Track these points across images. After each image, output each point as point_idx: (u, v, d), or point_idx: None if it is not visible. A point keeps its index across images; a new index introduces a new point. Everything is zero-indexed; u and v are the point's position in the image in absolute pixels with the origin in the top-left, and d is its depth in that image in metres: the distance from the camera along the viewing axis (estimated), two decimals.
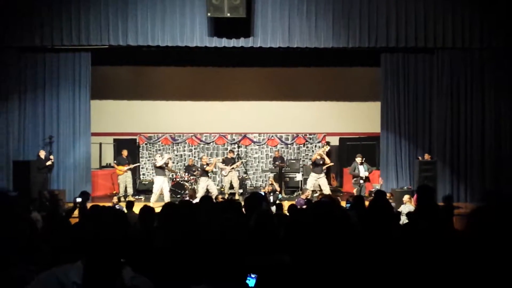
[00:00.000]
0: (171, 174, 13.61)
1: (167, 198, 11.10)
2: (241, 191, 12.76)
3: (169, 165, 11.90)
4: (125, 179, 12.27)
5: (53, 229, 4.83)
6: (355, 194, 10.57)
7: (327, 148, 12.13)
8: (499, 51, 11.51)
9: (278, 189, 11.81)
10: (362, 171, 10.96)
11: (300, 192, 12.36)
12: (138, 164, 13.53)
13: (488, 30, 11.40)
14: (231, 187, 12.66)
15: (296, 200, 9.73)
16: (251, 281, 2.15)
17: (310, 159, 12.04)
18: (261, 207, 4.30)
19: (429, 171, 10.88)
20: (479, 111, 11.69)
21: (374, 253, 2.34)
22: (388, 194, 8.99)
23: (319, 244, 2.15)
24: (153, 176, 12.77)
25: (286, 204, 8.07)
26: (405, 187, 11.34)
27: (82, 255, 1.81)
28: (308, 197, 9.92)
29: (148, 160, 14.62)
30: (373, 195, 8.65)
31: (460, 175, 11.65)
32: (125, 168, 12.25)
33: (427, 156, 11.38)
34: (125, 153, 12.56)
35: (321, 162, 11.44)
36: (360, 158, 11.07)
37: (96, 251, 1.76)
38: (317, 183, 11.39)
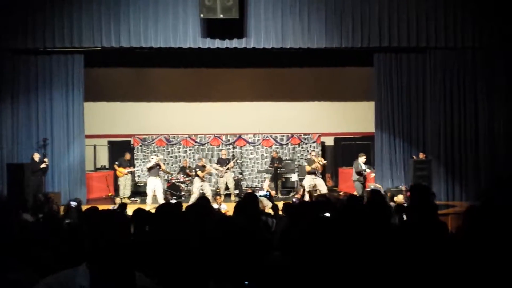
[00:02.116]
0: (166, 176, 13.58)
1: (160, 199, 11.08)
2: (236, 191, 12.76)
3: (162, 167, 11.83)
4: (125, 181, 12.48)
5: (49, 232, 4.81)
6: (357, 193, 10.58)
7: (323, 161, 11.98)
8: (492, 50, 11.57)
9: (273, 193, 11.78)
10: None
11: (294, 192, 12.39)
12: (136, 169, 13.61)
13: (481, 29, 11.46)
14: (227, 187, 12.66)
15: (292, 200, 9.75)
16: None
17: (306, 165, 11.92)
18: (256, 208, 4.31)
19: (423, 170, 10.90)
20: (473, 110, 11.75)
21: (369, 249, 2.34)
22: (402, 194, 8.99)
23: (317, 243, 2.15)
24: (146, 177, 12.78)
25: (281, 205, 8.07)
26: (400, 186, 11.38)
27: (84, 259, 1.80)
28: (303, 196, 9.96)
29: (143, 162, 14.59)
30: (365, 195, 8.69)
31: (455, 174, 11.70)
32: (126, 170, 12.35)
33: (421, 155, 11.42)
34: (127, 156, 12.82)
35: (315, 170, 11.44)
36: (364, 157, 11.03)
37: (104, 256, 1.76)
38: (313, 184, 11.41)
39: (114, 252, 1.76)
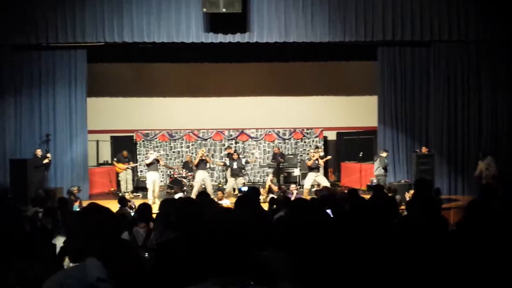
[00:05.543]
0: (168, 171, 13.60)
1: (156, 193, 11.13)
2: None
3: (160, 162, 11.88)
4: (125, 176, 12.55)
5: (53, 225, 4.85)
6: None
7: (321, 152, 12.02)
8: (496, 43, 11.50)
9: (275, 189, 11.77)
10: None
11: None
12: (136, 164, 13.66)
13: (484, 22, 11.38)
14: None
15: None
16: None
17: (307, 160, 11.98)
18: (258, 203, 4.31)
19: (426, 164, 10.90)
20: (476, 104, 11.69)
21: (370, 245, 2.34)
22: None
23: (317, 238, 2.14)
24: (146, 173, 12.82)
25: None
26: (403, 181, 11.36)
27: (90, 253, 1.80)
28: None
29: (145, 157, 14.61)
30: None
31: (457, 168, 11.67)
32: (125, 166, 12.43)
33: (424, 149, 11.40)
34: (125, 153, 12.88)
35: (317, 162, 11.42)
36: (387, 153, 11.21)
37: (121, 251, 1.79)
38: (315, 182, 11.40)
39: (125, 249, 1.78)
